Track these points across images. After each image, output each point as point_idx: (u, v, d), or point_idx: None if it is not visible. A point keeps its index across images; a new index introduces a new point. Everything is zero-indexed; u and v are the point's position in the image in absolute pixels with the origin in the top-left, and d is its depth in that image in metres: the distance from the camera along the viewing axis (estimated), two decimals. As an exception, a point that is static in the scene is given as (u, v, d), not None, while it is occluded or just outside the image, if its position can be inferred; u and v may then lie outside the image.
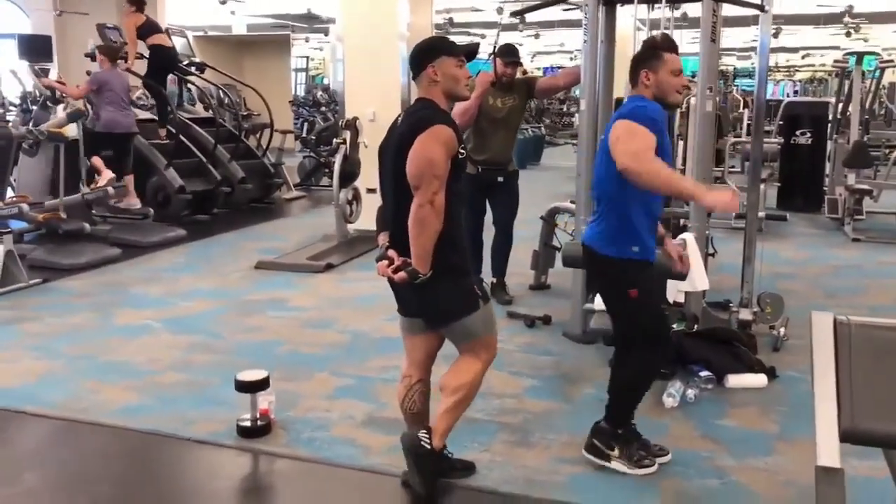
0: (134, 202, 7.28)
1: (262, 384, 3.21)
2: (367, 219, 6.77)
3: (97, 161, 6.93)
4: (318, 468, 2.99)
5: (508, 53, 4.85)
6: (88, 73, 7.56)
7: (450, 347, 2.75)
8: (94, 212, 7.33)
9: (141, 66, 8.23)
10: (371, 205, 6.77)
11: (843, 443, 1.74)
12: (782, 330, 4.24)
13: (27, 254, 6.17)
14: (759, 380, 3.72)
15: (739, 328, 4.24)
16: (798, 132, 8.74)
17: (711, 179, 4.13)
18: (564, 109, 19.75)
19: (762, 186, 8.02)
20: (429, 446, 2.70)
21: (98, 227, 7.01)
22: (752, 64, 23.59)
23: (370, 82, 7.05)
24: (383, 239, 2.67)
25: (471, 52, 2.66)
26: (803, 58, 23.14)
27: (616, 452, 2.90)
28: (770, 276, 5.53)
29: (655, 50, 2.80)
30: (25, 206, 5.98)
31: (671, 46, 2.81)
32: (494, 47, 5.03)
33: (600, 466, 2.90)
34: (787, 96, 21.21)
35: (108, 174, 6.90)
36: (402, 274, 2.48)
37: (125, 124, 7.16)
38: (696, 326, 4.07)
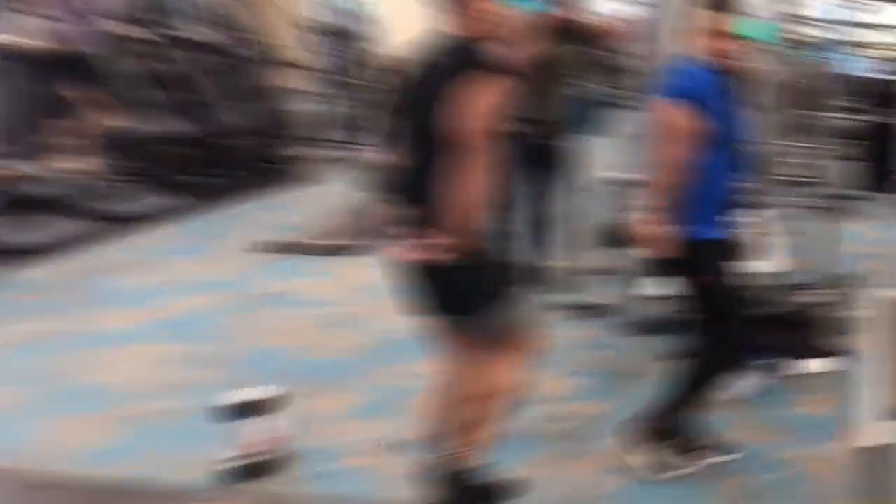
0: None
1: (267, 406, 2.66)
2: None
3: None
4: None
5: None
6: None
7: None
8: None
9: None
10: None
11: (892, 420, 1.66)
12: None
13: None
14: (832, 364, 3.49)
15: (816, 310, 3.81)
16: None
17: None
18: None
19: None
20: (456, 466, 2.39)
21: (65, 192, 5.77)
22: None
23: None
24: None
25: None
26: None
27: (668, 449, 2.70)
28: (853, 257, 5.11)
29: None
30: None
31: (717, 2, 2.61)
32: None
33: (646, 476, 2.67)
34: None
35: None
36: (444, 254, 2.16)
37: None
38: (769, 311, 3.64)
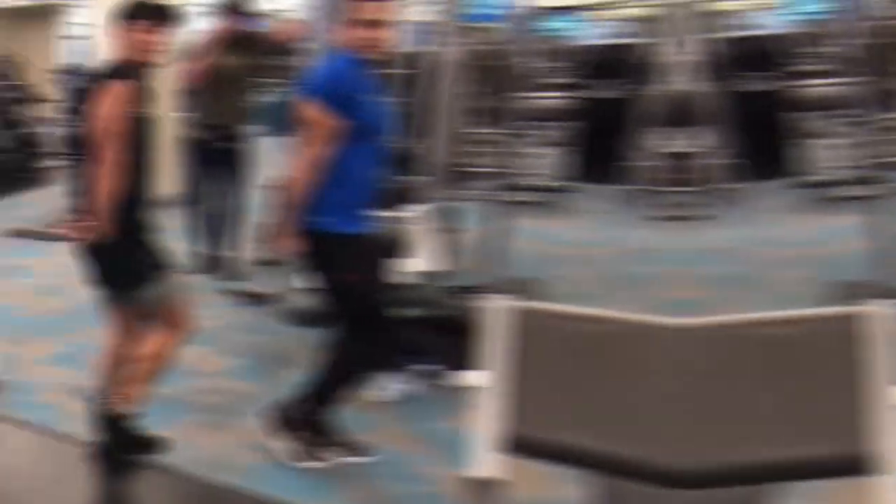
0: None
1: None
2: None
3: None
4: (15, 429, 2.98)
5: (234, 8, 4.51)
6: None
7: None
8: None
9: None
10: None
11: (506, 453, 1.53)
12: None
13: None
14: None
15: (476, 317, 4.00)
16: (601, 84, 6.81)
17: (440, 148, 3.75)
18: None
19: (548, 152, 6.98)
20: (111, 411, 2.66)
21: None
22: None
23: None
24: None
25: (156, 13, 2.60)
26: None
27: (295, 436, 2.63)
28: (549, 260, 4.86)
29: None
30: None
31: None
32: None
33: (282, 460, 2.64)
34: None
35: None
36: (85, 234, 2.56)
37: None
38: (431, 313, 3.54)
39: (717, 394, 1.46)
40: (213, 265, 4.71)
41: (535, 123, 6.46)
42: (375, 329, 2.61)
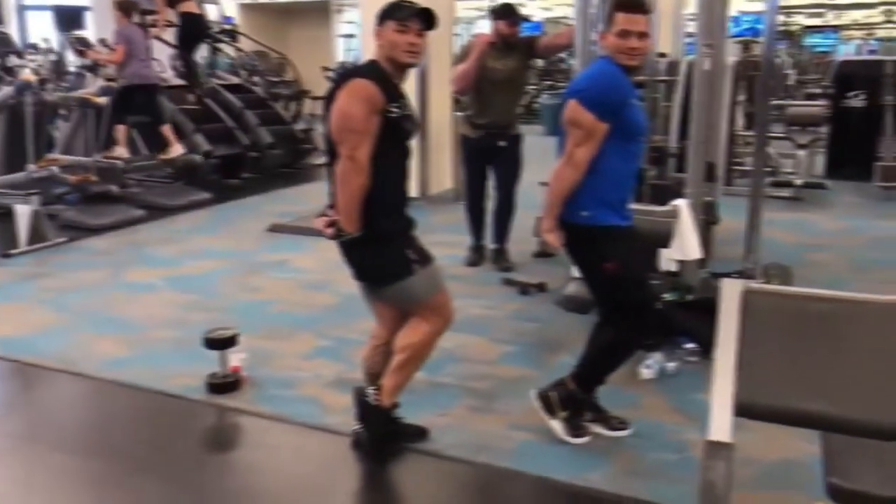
0: (122, 152, 7.13)
1: (230, 342, 3.28)
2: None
3: (120, 130, 7.08)
4: (275, 425, 3.05)
5: (505, 13, 4.74)
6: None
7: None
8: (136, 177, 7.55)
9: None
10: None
11: (739, 416, 1.68)
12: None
13: (61, 213, 6.41)
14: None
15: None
16: (850, 94, 8.06)
17: (701, 148, 3.90)
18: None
19: (802, 153, 7.68)
20: (376, 401, 2.72)
21: (129, 190, 7.21)
22: (825, 21, 22.31)
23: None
24: None
25: (416, 15, 2.53)
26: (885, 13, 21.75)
27: (564, 414, 2.84)
28: (798, 247, 5.52)
29: (612, 8, 2.68)
30: (56, 169, 6.21)
31: (626, 4, 2.63)
32: (492, 8, 4.94)
33: (551, 435, 2.86)
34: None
35: (177, 147, 7.15)
36: (330, 230, 2.55)
37: (145, 75, 7.21)
38: (689, 297, 3.93)
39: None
40: (491, 257, 5.15)
41: (794, 128, 8.01)
42: (637, 313, 2.77)
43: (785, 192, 7.11)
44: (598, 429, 2.91)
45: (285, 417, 3.07)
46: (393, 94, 2.51)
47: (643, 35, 2.63)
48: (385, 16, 2.52)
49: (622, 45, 2.62)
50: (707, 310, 3.37)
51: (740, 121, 7.16)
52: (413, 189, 7.26)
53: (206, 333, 3.31)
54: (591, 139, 2.60)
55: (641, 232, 3.46)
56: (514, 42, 4.77)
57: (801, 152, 7.69)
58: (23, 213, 5.48)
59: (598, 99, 2.59)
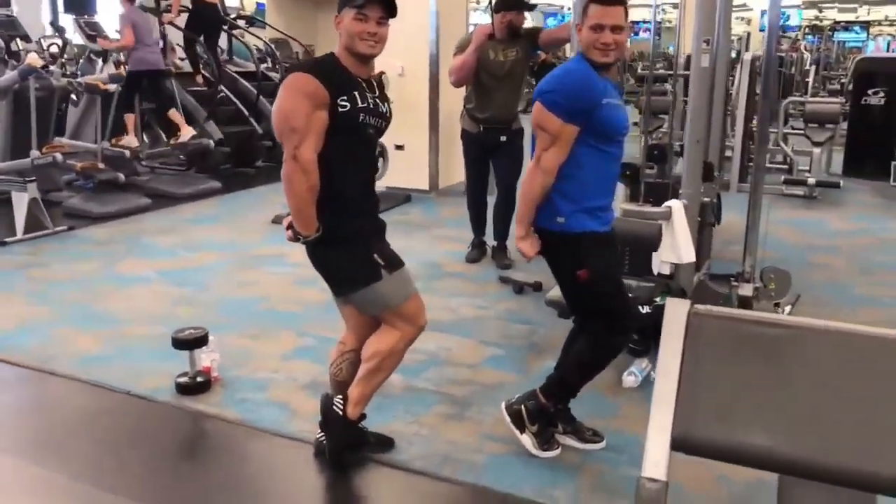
0: (131, 140, 7.12)
1: (200, 342, 3.20)
2: (396, 176, 6.68)
3: (129, 119, 7.07)
4: (238, 430, 2.96)
5: (505, 3, 4.57)
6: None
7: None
8: (144, 163, 7.55)
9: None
10: (400, 161, 6.72)
11: (676, 451, 1.55)
12: (788, 308, 3.89)
13: (65, 201, 6.43)
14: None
15: (739, 305, 3.90)
16: (870, 91, 7.94)
17: (705, 143, 3.71)
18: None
19: (818, 150, 7.56)
20: (340, 412, 2.60)
21: (137, 178, 7.22)
22: (857, 17, 21.66)
23: (396, 36, 6.85)
24: None
25: (376, 1, 2.33)
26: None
27: (534, 428, 2.73)
28: (805, 248, 5.37)
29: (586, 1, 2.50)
30: (59, 156, 6.21)
31: None
32: None
33: (521, 447, 2.74)
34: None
35: (187, 129, 7.12)
36: (288, 232, 2.46)
37: (152, 61, 7.17)
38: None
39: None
40: (492, 254, 5.05)
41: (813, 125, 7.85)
42: (610, 323, 2.63)
43: (798, 191, 7.01)
44: (570, 441, 2.79)
45: (249, 423, 2.97)
46: (344, 86, 2.34)
47: (618, 28, 2.45)
48: (343, 2, 2.36)
49: (595, 39, 2.45)
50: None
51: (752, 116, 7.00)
52: (424, 182, 7.38)
53: (175, 332, 3.24)
54: (557, 143, 2.46)
55: (630, 233, 3.38)
56: (515, 33, 4.60)
57: (817, 150, 7.52)
58: (20, 200, 5.47)
59: (562, 102, 2.45)
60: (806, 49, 15.00)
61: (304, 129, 2.27)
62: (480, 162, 4.92)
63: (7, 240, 5.41)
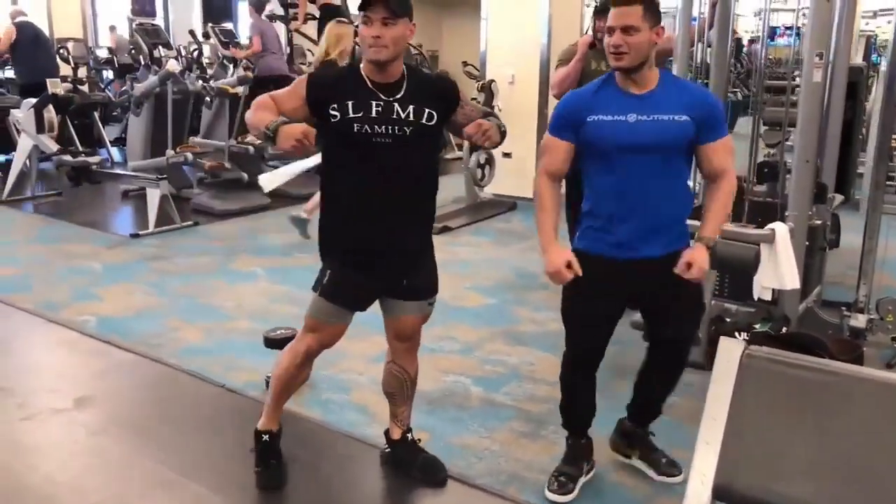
0: (254, 139, 7.20)
1: (289, 341, 3.31)
2: (503, 183, 6.68)
3: None
4: (319, 430, 3.07)
5: (606, 10, 4.44)
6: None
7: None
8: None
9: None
10: (507, 169, 6.72)
11: (718, 501, 1.48)
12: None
13: (194, 197, 6.86)
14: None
15: (851, 336, 3.63)
16: None
17: (815, 158, 3.47)
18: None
19: None
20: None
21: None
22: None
23: (510, 43, 6.86)
24: None
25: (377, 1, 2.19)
26: None
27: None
28: None
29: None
30: (190, 155, 6.64)
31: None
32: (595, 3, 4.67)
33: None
34: None
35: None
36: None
37: (279, 67, 7.58)
38: (784, 329, 3.54)
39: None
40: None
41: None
42: (565, 358, 2.63)
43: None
44: (645, 468, 2.71)
45: (330, 424, 3.08)
46: (342, 94, 2.26)
47: (629, 29, 2.24)
48: (358, 8, 2.25)
49: (608, 44, 2.30)
50: (799, 345, 3.16)
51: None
52: (530, 190, 7.21)
53: (268, 332, 3.38)
54: (545, 153, 2.45)
55: (724, 255, 3.21)
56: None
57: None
58: (153, 195, 5.90)
59: (554, 116, 2.44)
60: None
61: (277, 98, 2.31)
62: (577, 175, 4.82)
63: (140, 232, 5.86)
